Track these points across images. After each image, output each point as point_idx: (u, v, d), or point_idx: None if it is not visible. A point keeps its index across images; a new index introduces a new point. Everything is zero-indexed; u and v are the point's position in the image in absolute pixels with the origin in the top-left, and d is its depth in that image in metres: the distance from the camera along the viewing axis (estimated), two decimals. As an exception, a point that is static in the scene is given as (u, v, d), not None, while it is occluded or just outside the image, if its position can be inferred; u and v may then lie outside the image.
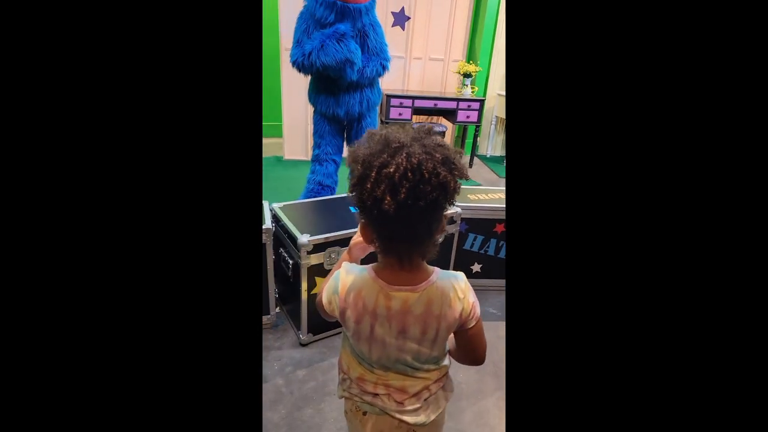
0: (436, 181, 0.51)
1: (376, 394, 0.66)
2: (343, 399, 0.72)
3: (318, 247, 1.34)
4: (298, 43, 1.92)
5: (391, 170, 0.50)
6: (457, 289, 0.61)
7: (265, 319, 1.51)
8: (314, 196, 2.05)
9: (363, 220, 0.59)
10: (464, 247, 1.72)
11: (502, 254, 1.74)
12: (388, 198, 0.51)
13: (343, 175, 2.28)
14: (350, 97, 2.01)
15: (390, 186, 0.51)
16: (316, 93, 2.06)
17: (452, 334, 0.65)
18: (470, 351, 0.66)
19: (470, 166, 3.66)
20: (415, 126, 0.59)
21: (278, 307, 1.56)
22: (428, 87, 3.83)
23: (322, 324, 1.46)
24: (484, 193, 1.82)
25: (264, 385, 1.28)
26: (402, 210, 0.51)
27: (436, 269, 0.62)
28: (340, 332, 1.49)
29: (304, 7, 1.94)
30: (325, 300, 0.64)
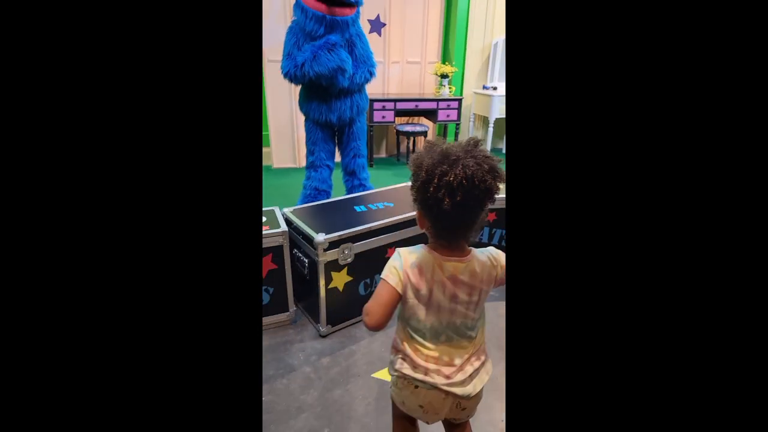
0: (484, 186, 0.65)
1: (427, 371, 0.77)
2: (393, 376, 0.83)
3: (333, 245, 1.46)
4: (288, 55, 2.03)
5: (450, 179, 0.64)
6: (491, 259, 0.77)
7: (284, 316, 1.62)
8: (311, 201, 2.17)
9: (420, 212, 0.73)
10: (460, 236, 1.87)
11: (495, 241, 1.90)
12: (447, 200, 0.65)
13: (337, 179, 2.41)
14: (341, 103, 2.14)
15: (449, 191, 0.64)
16: (308, 102, 2.17)
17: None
18: None
19: (453, 162, 3.84)
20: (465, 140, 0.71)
21: (295, 305, 1.68)
22: (407, 89, 3.99)
23: (339, 316, 1.58)
24: (474, 185, 1.98)
25: (293, 373, 1.40)
26: (456, 208, 0.65)
27: (472, 248, 0.77)
28: (356, 322, 1.62)
29: (293, 21, 2.06)
30: (393, 280, 0.74)
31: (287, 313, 1.62)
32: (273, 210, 1.67)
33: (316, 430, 1.20)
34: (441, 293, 0.74)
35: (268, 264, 1.51)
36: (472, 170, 0.64)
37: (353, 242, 1.51)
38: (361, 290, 1.61)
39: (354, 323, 1.64)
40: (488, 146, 3.94)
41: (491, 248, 0.79)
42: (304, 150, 2.40)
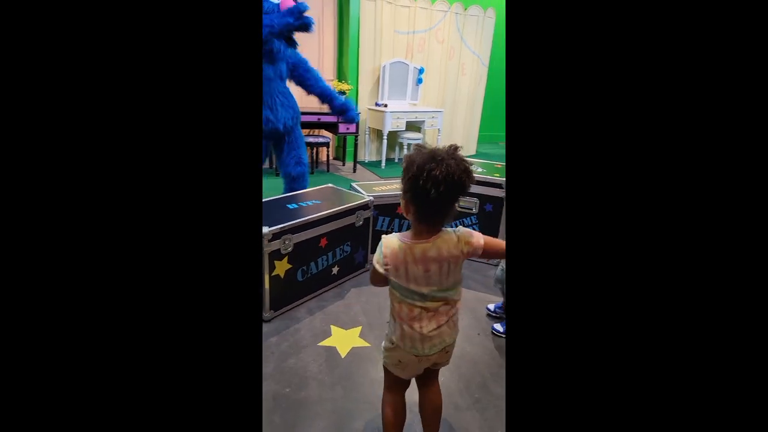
0: (460, 182, 0.83)
1: (412, 327, 0.95)
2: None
3: (275, 236, 1.66)
4: None
5: (437, 173, 0.81)
6: (459, 237, 0.92)
7: (227, 308, 1.74)
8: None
9: (406, 202, 0.90)
10: (377, 228, 2.22)
11: (404, 229, 2.30)
12: (433, 190, 0.82)
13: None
14: (284, 111, 2.34)
15: (435, 183, 0.81)
16: None
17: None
18: (495, 254, 0.95)
19: (354, 170, 4.21)
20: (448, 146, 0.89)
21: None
22: (308, 103, 4.22)
23: (281, 301, 1.78)
24: (383, 185, 2.35)
25: (247, 354, 1.55)
26: (439, 198, 0.83)
27: (443, 228, 0.94)
28: (296, 306, 1.83)
29: None
30: (377, 266, 0.94)
31: (230, 305, 1.75)
32: (209, 211, 1.79)
33: (278, 391, 1.39)
34: (415, 269, 0.92)
35: (212, 259, 1.63)
36: (453, 168, 0.82)
37: (292, 233, 1.73)
38: (299, 276, 1.83)
39: (294, 306, 1.84)
40: (383, 156, 4.42)
41: (460, 227, 0.95)
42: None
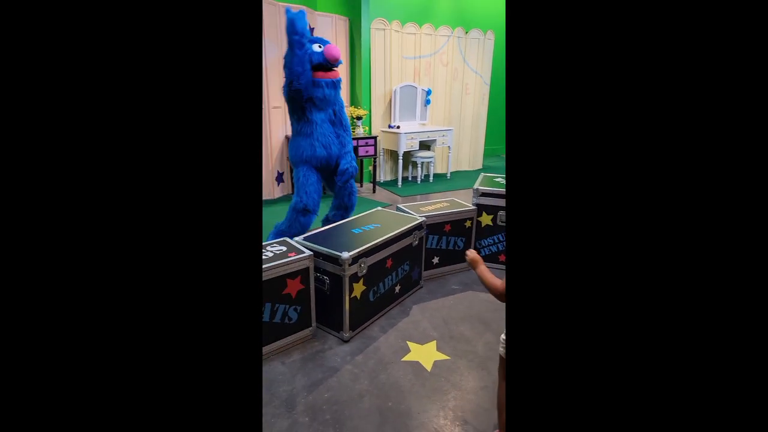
0: None
1: None
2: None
3: (354, 260, 1.78)
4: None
5: None
6: None
7: (308, 331, 1.84)
8: (288, 236, 2.40)
9: None
10: (427, 246, 2.35)
11: (451, 246, 2.44)
12: None
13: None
14: (336, 149, 2.57)
15: None
16: (308, 146, 2.48)
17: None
18: None
19: (374, 191, 4.36)
20: None
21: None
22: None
23: (357, 321, 1.88)
24: (429, 205, 2.50)
25: (339, 372, 1.65)
26: None
27: None
28: (368, 325, 1.93)
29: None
30: None
31: (310, 329, 1.85)
32: (284, 239, 1.90)
33: (381, 404, 1.49)
34: None
35: (297, 285, 1.74)
36: None
37: (366, 257, 1.85)
38: (371, 296, 1.94)
39: (368, 325, 1.95)
40: (399, 176, 4.57)
41: None
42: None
